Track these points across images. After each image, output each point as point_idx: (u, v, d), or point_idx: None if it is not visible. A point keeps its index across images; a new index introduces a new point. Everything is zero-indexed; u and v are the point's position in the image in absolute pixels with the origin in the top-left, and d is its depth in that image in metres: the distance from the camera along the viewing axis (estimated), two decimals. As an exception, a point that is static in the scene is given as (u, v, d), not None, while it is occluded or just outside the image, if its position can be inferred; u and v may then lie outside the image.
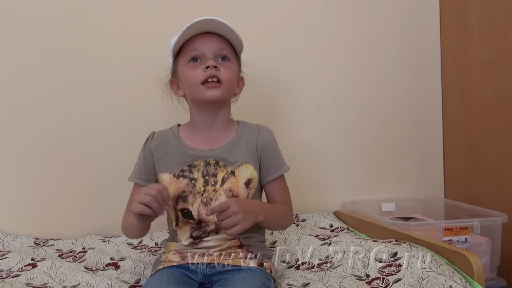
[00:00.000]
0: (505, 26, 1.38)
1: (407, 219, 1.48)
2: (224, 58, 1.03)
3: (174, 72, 1.08)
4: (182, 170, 1.04)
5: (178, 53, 1.05)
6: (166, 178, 1.05)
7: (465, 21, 1.56)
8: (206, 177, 1.03)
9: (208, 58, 1.01)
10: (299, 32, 1.61)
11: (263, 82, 1.54)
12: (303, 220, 1.51)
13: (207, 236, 1.02)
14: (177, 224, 1.05)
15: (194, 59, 1.02)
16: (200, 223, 1.02)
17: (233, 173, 1.04)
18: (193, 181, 1.03)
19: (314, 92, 1.63)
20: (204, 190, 1.02)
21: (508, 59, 1.38)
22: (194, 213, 1.02)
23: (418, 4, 1.69)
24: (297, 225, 1.48)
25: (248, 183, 1.04)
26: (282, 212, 1.08)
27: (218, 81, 1.01)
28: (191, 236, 1.02)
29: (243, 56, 1.12)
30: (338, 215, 1.55)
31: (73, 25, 1.47)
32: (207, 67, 0.99)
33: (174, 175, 1.04)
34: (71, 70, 1.47)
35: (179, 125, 1.13)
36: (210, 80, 1.00)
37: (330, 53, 1.64)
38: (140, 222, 0.96)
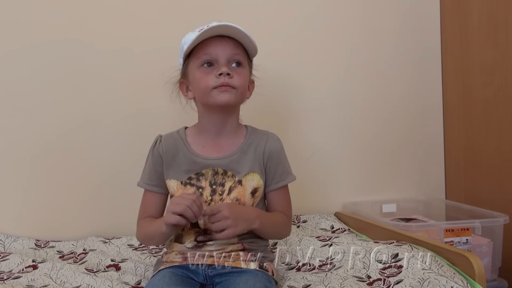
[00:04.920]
0: (505, 26, 1.38)
1: (408, 220, 1.48)
2: (237, 63, 1.01)
3: (184, 74, 1.06)
4: (190, 178, 1.03)
5: (189, 54, 1.03)
6: (173, 185, 1.04)
7: (465, 21, 1.56)
8: (214, 186, 1.03)
9: (221, 63, 0.99)
10: (300, 33, 1.61)
11: (265, 84, 1.54)
12: (304, 222, 1.51)
13: (211, 240, 1.02)
14: (182, 229, 1.04)
15: (207, 63, 1.00)
16: (205, 230, 1.02)
17: (240, 182, 1.03)
18: (200, 190, 1.02)
19: (315, 93, 1.63)
20: (211, 200, 1.02)
21: (509, 59, 1.38)
22: (200, 222, 1.01)
23: (419, 4, 1.69)
24: (298, 227, 1.48)
25: (254, 192, 1.04)
26: (280, 222, 1.07)
27: (231, 87, 0.99)
28: (195, 240, 1.02)
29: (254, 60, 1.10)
30: (339, 216, 1.55)
31: (75, 20, 1.46)
32: (220, 74, 0.98)
33: (181, 183, 1.04)
34: (74, 70, 1.47)
35: (186, 127, 1.11)
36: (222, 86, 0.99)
37: (330, 54, 1.64)
38: (171, 232, 0.97)
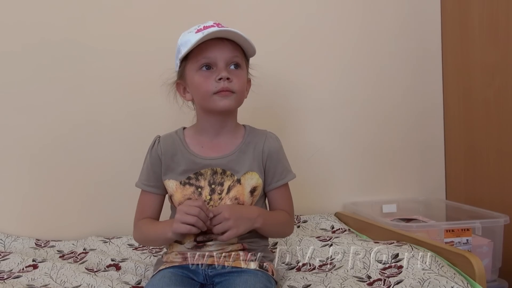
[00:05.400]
0: (506, 27, 1.38)
1: (408, 220, 1.48)
2: (236, 65, 1.01)
3: (181, 75, 1.06)
4: (189, 178, 1.03)
5: (186, 55, 1.01)
6: (172, 185, 1.04)
7: (466, 22, 1.56)
8: (213, 186, 1.03)
9: (220, 67, 0.99)
10: (300, 33, 1.61)
11: (264, 85, 1.54)
12: (304, 222, 1.51)
13: (211, 240, 1.02)
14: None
15: (206, 66, 1.00)
16: (205, 230, 1.01)
17: (239, 181, 1.03)
18: (199, 189, 1.02)
19: (315, 93, 1.63)
20: (210, 199, 1.02)
21: (510, 60, 1.37)
22: None
23: (419, 5, 1.69)
24: (298, 227, 1.48)
25: (253, 190, 1.04)
26: (282, 220, 1.07)
27: (231, 92, 0.99)
28: (195, 240, 1.02)
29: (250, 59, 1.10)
30: (339, 216, 1.55)
31: (74, 20, 1.46)
32: (220, 79, 0.98)
33: (180, 183, 1.04)
34: (73, 70, 1.47)
35: (184, 128, 1.11)
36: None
37: (331, 54, 1.64)
38: (178, 238, 0.98)
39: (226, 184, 1.03)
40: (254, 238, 1.04)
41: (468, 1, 1.54)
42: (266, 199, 1.11)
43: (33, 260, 1.22)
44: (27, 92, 1.45)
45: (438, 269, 0.95)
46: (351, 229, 1.44)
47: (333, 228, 1.46)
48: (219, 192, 1.02)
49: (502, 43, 1.40)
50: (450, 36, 1.66)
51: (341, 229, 1.44)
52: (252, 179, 1.04)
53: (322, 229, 1.47)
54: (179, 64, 1.04)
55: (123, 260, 1.23)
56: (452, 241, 1.26)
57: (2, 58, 1.43)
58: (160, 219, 1.10)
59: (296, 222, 1.50)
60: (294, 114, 1.62)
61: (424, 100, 1.70)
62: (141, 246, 1.36)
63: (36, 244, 1.39)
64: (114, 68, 1.49)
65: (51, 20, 1.45)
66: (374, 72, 1.67)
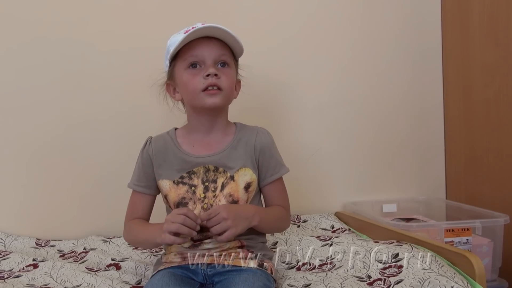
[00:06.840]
0: (506, 26, 1.38)
1: (408, 220, 1.48)
2: (223, 64, 1.02)
3: (171, 76, 1.07)
4: (182, 177, 1.04)
5: (175, 56, 1.03)
6: (165, 185, 1.05)
7: (466, 21, 1.56)
8: (206, 184, 1.03)
9: (208, 65, 1.00)
10: (299, 32, 1.61)
11: (263, 84, 1.54)
12: (304, 221, 1.51)
13: (208, 238, 1.02)
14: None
15: (194, 65, 1.01)
16: (202, 228, 1.02)
17: (232, 177, 1.03)
18: (193, 188, 1.03)
19: (315, 93, 1.63)
20: (205, 197, 1.02)
21: (510, 59, 1.37)
22: None
23: (419, 4, 1.69)
24: (298, 226, 1.48)
25: (247, 187, 1.04)
26: (279, 215, 1.08)
27: (219, 89, 1.00)
28: (192, 239, 1.02)
29: (241, 60, 1.10)
30: (339, 216, 1.55)
31: (71, 19, 1.46)
32: (208, 75, 0.98)
33: (174, 182, 1.04)
34: (71, 69, 1.47)
35: (175, 128, 1.12)
36: (210, 88, 0.99)
37: (330, 54, 1.64)
38: (168, 245, 0.99)
39: (220, 181, 1.03)
40: (251, 235, 1.04)
41: (468, 1, 1.54)
42: (262, 195, 1.11)
43: (34, 260, 1.22)
44: (25, 91, 1.45)
45: (438, 269, 0.95)
46: (351, 229, 1.44)
47: (333, 227, 1.46)
48: (213, 189, 1.03)
49: (502, 43, 1.40)
50: (450, 36, 1.66)
51: (341, 228, 1.44)
52: (246, 175, 1.04)
53: (322, 228, 1.47)
54: (168, 64, 1.05)
55: (123, 260, 1.23)
56: (452, 241, 1.26)
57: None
58: (153, 220, 1.10)
59: (296, 221, 1.51)
60: (295, 114, 1.62)
61: (424, 100, 1.70)
62: (141, 245, 1.36)
63: (36, 243, 1.39)
64: (113, 67, 1.49)
65: (48, 18, 1.45)
66: (374, 72, 1.67)
